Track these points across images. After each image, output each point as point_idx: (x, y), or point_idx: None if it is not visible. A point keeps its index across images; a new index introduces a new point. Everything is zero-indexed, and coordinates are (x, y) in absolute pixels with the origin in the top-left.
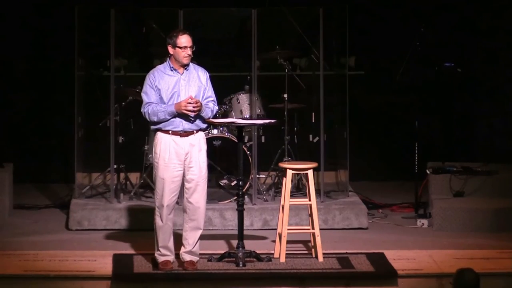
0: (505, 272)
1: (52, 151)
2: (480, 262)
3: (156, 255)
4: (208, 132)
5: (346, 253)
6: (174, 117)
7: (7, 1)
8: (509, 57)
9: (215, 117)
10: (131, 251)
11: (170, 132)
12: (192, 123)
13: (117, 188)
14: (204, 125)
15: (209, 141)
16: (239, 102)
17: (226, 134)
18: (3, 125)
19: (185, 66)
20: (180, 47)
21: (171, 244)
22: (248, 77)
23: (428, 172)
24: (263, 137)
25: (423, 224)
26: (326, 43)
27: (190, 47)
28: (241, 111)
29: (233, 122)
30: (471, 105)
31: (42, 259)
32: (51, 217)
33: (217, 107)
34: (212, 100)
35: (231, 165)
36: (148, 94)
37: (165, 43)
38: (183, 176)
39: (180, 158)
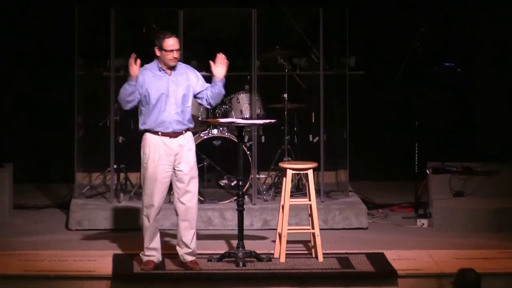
0: (505, 272)
1: (52, 151)
2: (480, 262)
3: (140, 254)
4: (208, 132)
5: (346, 253)
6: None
7: (7, 2)
8: (510, 56)
9: (215, 117)
10: (131, 251)
11: (159, 133)
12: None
13: (117, 188)
14: (192, 125)
15: (209, 141)
16: (239, 102)
17: (226, 134)
18: (3, 125)
19: (172, 67)
20: (166, 50)
21: (157, 244)
22: (248, 77)
23: (428, 172)
24: (263, 137)
25: (423, 224)
26: (326, 43)
27: (176, 50)
28: (241, 111)
29: (233, 122)
30: (471, 105)
31: (42, 259)
32: (51, 217)
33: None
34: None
35: (231, 165)
36: None
37: None
38: (174, 176)
39: (170, 159)
